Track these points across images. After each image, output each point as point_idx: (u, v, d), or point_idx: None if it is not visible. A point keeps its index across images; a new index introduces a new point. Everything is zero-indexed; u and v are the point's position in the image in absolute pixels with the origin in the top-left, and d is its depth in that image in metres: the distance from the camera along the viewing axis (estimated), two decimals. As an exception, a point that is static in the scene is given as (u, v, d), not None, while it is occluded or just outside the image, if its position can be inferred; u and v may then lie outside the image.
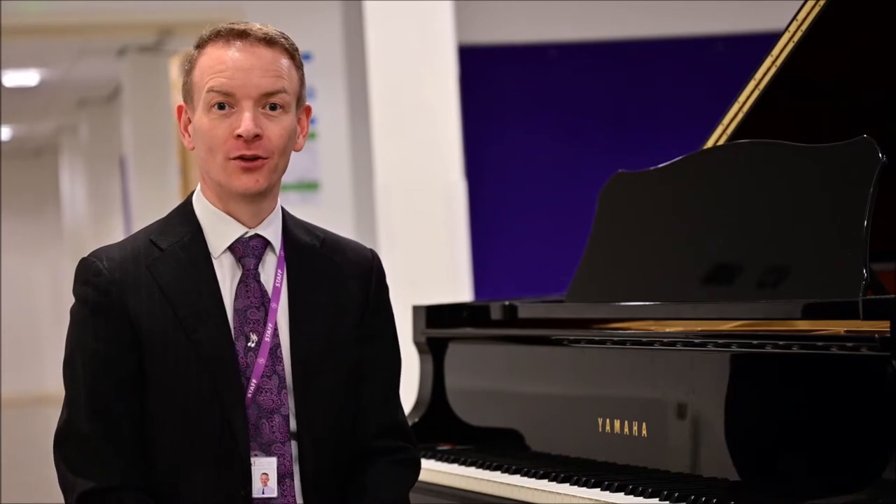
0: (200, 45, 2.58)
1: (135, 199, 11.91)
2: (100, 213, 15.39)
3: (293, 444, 2.56)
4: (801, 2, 3.31)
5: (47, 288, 18.95)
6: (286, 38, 2.60)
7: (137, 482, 2.51)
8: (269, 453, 2.53)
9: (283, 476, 2.54)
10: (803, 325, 2.75)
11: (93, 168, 15.63)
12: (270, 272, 2.60)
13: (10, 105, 14.47)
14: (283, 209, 2.67)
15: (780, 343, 2.76)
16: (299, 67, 2.61)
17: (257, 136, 2.52)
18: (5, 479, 10.32)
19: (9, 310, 18.75)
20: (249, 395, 2.53)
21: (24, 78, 13.37)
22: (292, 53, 2.59)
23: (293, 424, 2.56)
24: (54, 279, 18.68)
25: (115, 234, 13.26)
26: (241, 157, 2.53)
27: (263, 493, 2.53)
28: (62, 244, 18.27)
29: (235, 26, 2.57)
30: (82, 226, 16.38)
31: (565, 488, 3.00)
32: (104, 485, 2.49)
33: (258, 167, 2.54)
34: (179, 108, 2.62)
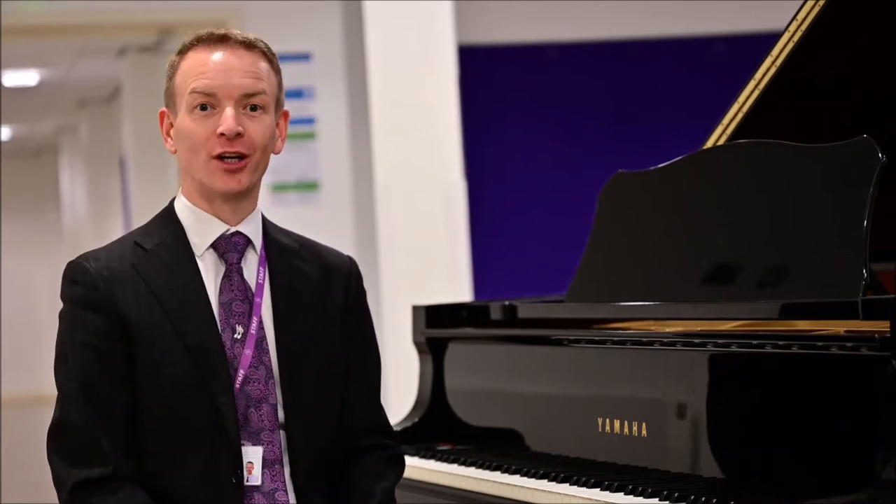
0: (182, 51, 2.69)
1: (135, 199, 11.90)
2: (100, 213, 15.38)
3: (281, 433, 2.62)
4: (801, 2, 3.31)
5: (47, 288, 18.91)
6: (264, 44, 2.70)
7: (130, 472, 2.55)
8: (257, 442, 2.59)
9: (273, 463, 2.60)
10: (803, 325, 2.74)
11: (93, 168, 15.62)
12: (252, 269, 2.67)
13: (10, 105, 14.46)
14: (261, 213, 2.74)
15: (780, 343, 2.76)
16: (277, 72, 2.71)
17: (239, 135, 2.61)
18: (5, 479, 10.31)
19: (9, 310, 18.75)
20: (237, 385, 2.59)
21: (24, 78, 13.36)
22: (270, 58, 2.70)
23: (281, 415, 2.62)
24: (54, 279, 18.40)
25: (115, 234, 13.20)
26: (224, 157, 2.60)
27: (248, 480, 2.58)
28: (62, 244, 18.26)
29: (216, 32, 2.67)
30: (82, 226, 16.37)
31: (565, 488, 3.01)
32: (97, 475, 2.53)
33: (240, 168, 2.62)
34: (162, 114, 2.72)
